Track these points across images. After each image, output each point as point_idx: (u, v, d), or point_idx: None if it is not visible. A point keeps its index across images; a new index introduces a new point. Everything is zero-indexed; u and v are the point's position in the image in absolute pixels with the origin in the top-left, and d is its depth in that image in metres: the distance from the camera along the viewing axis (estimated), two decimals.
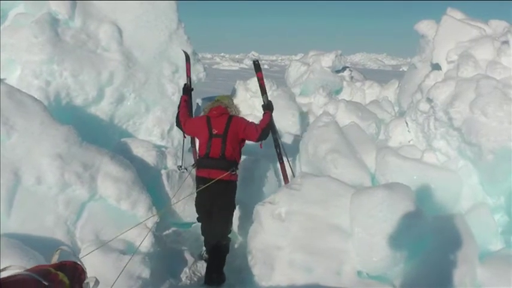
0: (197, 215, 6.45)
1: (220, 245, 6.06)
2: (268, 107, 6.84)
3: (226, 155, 6.10)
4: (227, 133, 6.19)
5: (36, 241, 4.73)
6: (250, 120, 6.55)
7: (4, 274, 2.16)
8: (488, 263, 4.85)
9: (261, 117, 6.71)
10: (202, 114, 6.84)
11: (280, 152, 7.33)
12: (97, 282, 2.55)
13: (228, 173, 5.99)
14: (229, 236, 6.23)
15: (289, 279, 4.68)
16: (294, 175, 7.25)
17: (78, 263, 2.57)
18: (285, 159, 7.35)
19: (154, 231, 5.73)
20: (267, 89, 8.88)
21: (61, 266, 2.45)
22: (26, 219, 4.99)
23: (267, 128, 6.47)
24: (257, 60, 7.71)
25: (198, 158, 6.36)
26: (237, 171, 6.21)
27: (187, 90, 7.32)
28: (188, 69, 7.90)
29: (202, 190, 5.98)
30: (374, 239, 4.61)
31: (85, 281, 2.51)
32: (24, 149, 5.16)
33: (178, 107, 6.93)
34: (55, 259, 2.61)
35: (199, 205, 6.28)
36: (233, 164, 6.14)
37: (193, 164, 6.79)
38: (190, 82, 7.65)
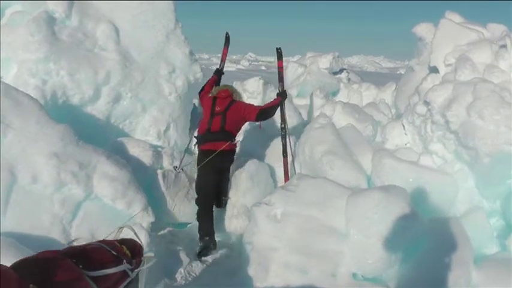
0: (196, 196, 6.78)
1: (224, 176, 7.12)
2: (281, 95, 7.46)
3: (226, 128, 6.90)
4: (227, 111, 7.01)
5: (32, 240, 4.73)
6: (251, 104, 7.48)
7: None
8: (484, 266, 4.86)
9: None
10: (212, 94, 7.45)
11: (285, 144, 7.43)
12: (154, 258, 3.16)
13: (229, 142, 6.78)
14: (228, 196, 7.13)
15: (284, 281, 4.67)
16: (295, 172, 7.32)
17: (137, 240, 3.02)
18: (289, 151, 7.45)
19: (150, 231, 5.72)
20: (264, 89, 8.95)
21: (123, 241, 2.92)
22: (21, 218, 4.98)
23: (267, 110, 7.19)
24: (280, 48, 8.07)
25: (198, 135, 7.05)
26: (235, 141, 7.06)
27: (219, 72, 8.28)
28: (224, 54, 8.73)
29: (208, 162, 6.63)
30: (369, 241, 4.61)
31: (144, 256, 2.99)
32: (20, 148, 5.15)
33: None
34: (118, 235, 3.10)
35: (203, 178, 6.74)
36: (232, 135, 6.98)
37: (194, 137, 7.32)
38: (223, 66, 8.51)
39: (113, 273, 2.61)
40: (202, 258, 6.20)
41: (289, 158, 7.52)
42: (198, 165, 6.82)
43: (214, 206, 6.94)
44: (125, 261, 2.75)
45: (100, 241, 2.80)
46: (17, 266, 2.11)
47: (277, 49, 8.06)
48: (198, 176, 6.85)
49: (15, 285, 1.88)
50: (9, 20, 7.54)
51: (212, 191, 6.83)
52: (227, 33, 8.97)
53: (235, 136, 7.08)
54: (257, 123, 7.63)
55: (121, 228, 3.27)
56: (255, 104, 7.72)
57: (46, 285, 2.06)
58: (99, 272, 2.50)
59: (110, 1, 8.14)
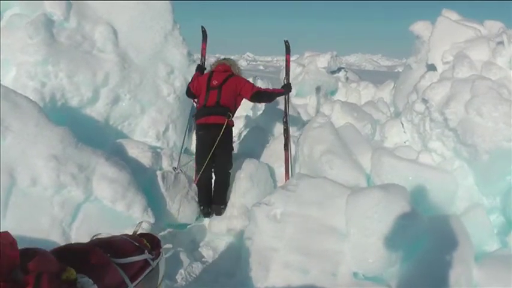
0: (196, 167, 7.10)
1: (223, 179, 7.06)
2: (285, 87, 7.58)
3: (221, 103, 6.94)
4: (222, 85, 7.02)
5: (31, 242, 4.67)
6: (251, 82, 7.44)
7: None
8: (484, 263, 4.85)
9: None
10: (208, 69, 7.52)
11: (287, 137, 7.60)
12: (172, 249, 3.69)
13: (225, 118, 6.84)
14: (229, 171, 7.13)
15: (284, 281, 4.67)
16: (293, 168, 7.33)
17: (154, 235, 3.36)
18: (292, 147, 7.58)
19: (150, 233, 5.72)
20: (263, 88, 8.99)
21: (142, 235, 3.28)
22: (21, 220, 4.98)
23: (265, 93, 7.27)
24: (287, 41, 8.21)
25: (196, 111, 7.15)
26: (232, 118, 7.08)
27: (201, 68, 7.99)
28: (204, 49, 8.52)
29: (203, 135, 6.94)
30: (369, 240, 4.60)
31: (162, 247, 3.35)
32: (19, 150, 5.15)
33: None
34: (137, 230, 3.38)
35: (199, 151, 7.03)
36: (228, 109, 6.97)
37: (193, 115, 7.43)
38: (204, 62, 8.32)
39: (137, 261, 2.93)
40: (203, 259, 6.22)
41: (289, 155, 7.54)
42: (196, 138, 7.13)
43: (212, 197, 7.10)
44: (146, 251, 3.06)
45: (121, 235, 3.11)
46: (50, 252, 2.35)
47: (285, 42, 8.18)
48: (196, 149, 7.15)
49: (55, 265, 2.15)
50: (8, 23, 7.55)
51: (209, 163, 6.95)
52: (202, 27, 8.78)
53: (232, 111, 7.11)
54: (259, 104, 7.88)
55: (140, 223, 3.64)
56: (256, 85, 7.72)
57: (81, 268, 2.36)
58: (124, 259, 2.81)
59: (108, 2, 8.15)
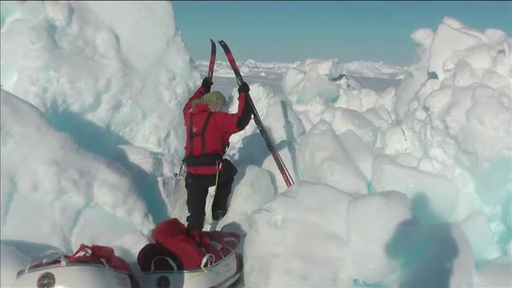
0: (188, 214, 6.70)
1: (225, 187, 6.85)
2: (242, 88, 7.08)
3: (207, 152, 6.51)
4: (205, 130, 6.52)
5: (32, 248, 4.72)
6: (228, 113, 6.89)
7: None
8: (485, 271, 4.85)
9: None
10: (190, 110, 6.87)
11: (266, 137, 7.60)
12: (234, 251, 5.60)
13: (215, 168, 6.44)
14: (233, 177, 6.99)
15: (285, 287, 4.67)
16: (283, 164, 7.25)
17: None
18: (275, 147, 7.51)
19: (151, 239, 5.71)
20: (264, 96, 8.87)
21: None
22: (21, 226, 4.98)
23: (243, 114, 6.67)
24: (223, 41, 7.99)
25: (185, 155, 6.80)
26: (221, 162, 6.56)
27: (207, 83, 7.59)
28: (212, 63, 8.16)
29: (193, 184, 6.61)
30: (370, 247, 4.60)
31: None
32: (20, 156, 5.16)
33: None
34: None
35: (190, 199, 6.71)
36: (216, 157, 6.54)
37: (182, 160, 6.92)
38: (211, 76, 7.88)
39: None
40: None
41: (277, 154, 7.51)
42: (185, 185, 6.73)
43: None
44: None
45: None
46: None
47: (220, 42, 7.99)
48: (187, 195, 6.77)
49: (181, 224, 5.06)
50: (10, 28, 7.56)
51: (201, 211, 6.72)
52: (212, 40, 8.39)
53: (221, 154, 6.71)
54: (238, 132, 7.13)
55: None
56: (234, 112, 7.08)
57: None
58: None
59: (110, 8, 8.16)
